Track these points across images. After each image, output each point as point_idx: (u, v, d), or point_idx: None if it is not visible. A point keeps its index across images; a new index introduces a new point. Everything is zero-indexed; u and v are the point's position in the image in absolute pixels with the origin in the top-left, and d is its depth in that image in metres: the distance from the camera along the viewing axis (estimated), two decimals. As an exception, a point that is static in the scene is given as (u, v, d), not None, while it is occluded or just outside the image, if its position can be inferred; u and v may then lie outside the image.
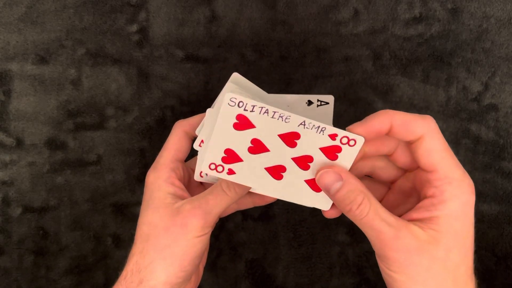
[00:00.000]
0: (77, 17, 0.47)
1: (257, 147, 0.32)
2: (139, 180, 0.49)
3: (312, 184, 0.33)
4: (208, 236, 0.34)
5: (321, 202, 0.34)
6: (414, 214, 0.31)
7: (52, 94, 0.48)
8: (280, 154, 0.32)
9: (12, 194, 0.48)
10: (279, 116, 0.30)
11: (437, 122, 0.47)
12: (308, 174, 0.33)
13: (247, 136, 0.31)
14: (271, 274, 0.50)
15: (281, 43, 0.48)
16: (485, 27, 0.48)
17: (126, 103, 0.48)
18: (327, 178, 0.31)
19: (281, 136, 0.31)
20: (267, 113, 0.30)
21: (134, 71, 0.48)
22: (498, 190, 0.48)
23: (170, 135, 0.38)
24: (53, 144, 0.48)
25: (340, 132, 0.31)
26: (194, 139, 0.38)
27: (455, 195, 0.30)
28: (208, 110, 0.36)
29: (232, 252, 0.50)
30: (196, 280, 0.38)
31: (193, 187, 0.39)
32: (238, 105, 0.30)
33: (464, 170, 0.31)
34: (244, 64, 0.48)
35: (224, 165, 0.32)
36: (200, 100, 0.48)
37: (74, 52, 0.48)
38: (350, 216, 0.31)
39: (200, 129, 0.36)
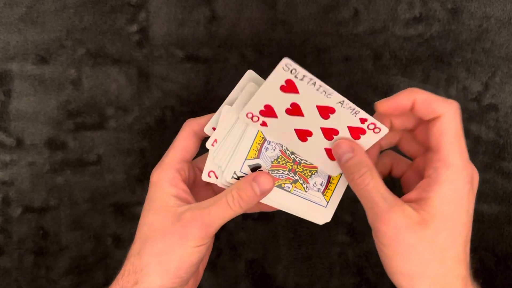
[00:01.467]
0: (77, 17, 0.47)
1: (294, 110, 0.34)
2: (139, 180, 0.49)
3: (329, 152, 0.36)
4: (206, 246, 0.34)
5: (332, 169, 0.37)
6: (413, 194, 0.32)
7: (52, 94, 0.48)
8: (312, 121, 0.34)
9: (12, 194, 0.48)
10: (323, 91, 0.32)
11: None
12: (330, 144, 0.35)
13: (289, 99, 0.33)
14: (271, 274, 0.50)
15: (281, 43, 0.48)
16: (485, 27, 0.48)
17: (126, 103, 0.48)
18: (341, 148, 0.34)
19: (318, 107, 0.33)
20: (314, 85, 0.32)
21: (134, 71, 0.48)
22: (498, 190, 0.48)
23: (178, 133, 0.37)
24: (53, 144, 0.48)
25: (370, 119, 0.34)
26: (203, 139, 0.38)
27: (449, 179, 0.30)
28: (226, 107, 0.35)
29: (232, 252, 0.50)
30: (194, 282, 0.38)
31: (198, 186, 0.39)
32: (291, 72, 0.31)
33: (469, 160, 0.31)
34: (244, 64, 0.48)
35: (260, 117, 0.34)
36: (200, 100, 0.48)
37: (74, 52, 0.48)
38: (352, 186, 0.33)
39: (210, 128, 0.36)
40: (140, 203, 0.49)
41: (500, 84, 0.48)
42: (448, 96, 0.48)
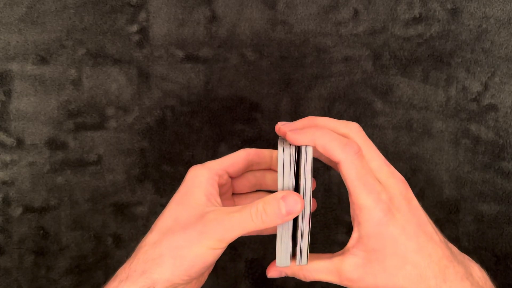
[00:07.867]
0: (78, 17, 0.48)
1: None
2: (139, 180, 0.49)
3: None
4: (222, 251, 0.33)
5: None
6: (351, 238, 0.34)
7: (52, 94, 0.48)
8: None
9: (13, 194, 0.48)
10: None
11: (437, 122, 0.47)
12: None
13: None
14: (271, 274, 0.50)
15: (281, 43, 0.48)
16: (484, 27, 0.48)
17: (126, 103, 0.48)
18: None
19: None
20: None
21: (134, 71, 0.48)
22: (498, 190, 0.48)
23: (236, 151, 0.38)
24: (54, 144, 0.48)
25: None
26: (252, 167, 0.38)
27: (366, 219, 0.32)
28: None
29: (232, 251, 0.50)
30: (197, 285, 0.38)
31: (225, 199, 0.39)
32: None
33: (378, 191, 0.32)
34: (244, 64, 0.48)
35: None
36: (200, 100, 0.48)
37: (74, 52, 0.48)
38: None
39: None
40: (141, 203, 0.49)
41: (500, 84, 0.48)
42: (448, 96, 0.48)
